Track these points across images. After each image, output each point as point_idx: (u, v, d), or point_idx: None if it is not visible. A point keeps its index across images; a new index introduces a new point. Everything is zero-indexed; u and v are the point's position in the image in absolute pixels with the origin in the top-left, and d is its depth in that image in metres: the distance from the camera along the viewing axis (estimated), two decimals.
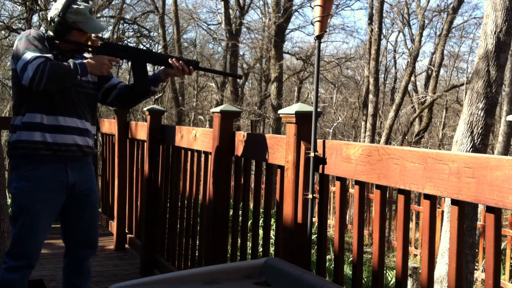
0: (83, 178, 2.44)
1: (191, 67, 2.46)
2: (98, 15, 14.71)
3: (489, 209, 1.51)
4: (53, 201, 2.35)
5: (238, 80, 17.59)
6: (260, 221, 4.41)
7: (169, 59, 2.43)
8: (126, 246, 4.43)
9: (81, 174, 2.42)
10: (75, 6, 2.32)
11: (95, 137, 2.56)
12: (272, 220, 5.28)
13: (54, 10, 2.33)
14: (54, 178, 2.33)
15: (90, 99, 2.46)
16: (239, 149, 2.74)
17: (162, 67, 2.51)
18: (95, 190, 2.54)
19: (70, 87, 2.34)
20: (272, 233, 5.45)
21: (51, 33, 2.35)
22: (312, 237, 2.22)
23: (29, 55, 2.16)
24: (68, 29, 2.32)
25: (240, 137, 2.73)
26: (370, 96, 14.23)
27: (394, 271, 5.03)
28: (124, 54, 2.42)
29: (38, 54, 2.16)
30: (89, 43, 4.71)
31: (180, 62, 2.42)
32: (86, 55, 2.50)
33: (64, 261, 2.57)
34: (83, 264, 2.56)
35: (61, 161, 2.34)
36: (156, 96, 16.64)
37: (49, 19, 2.35)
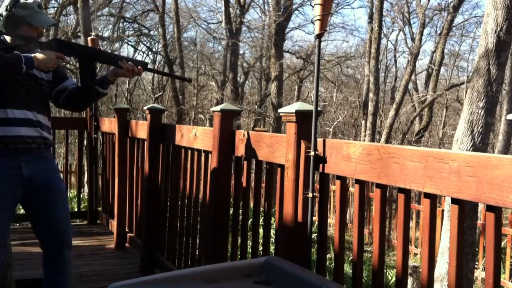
0: (40, 171, 2.42)
1: (139, 67, 2.46)
2: (98, 13, 14.71)
3: (489, 208, 1.51)
4: (6, 194, 2.33)
5: (238, 78, 17.59)
6: (261, 220, 4.41)
7: (119, 61, 2.43)
8: (127, 245, 4.43)
9: (37, 167, 2.41)
10: (22, 1, 2.35)
11: (51, 130, 2.55)
12: (272, 219, 5.28)
13: (3, 5, 2.36)
14: (6, 171, 2.32)
15: (42, 96, 2.46)
16: (239, 148, 2.74)
17: (111, 68, 2.50)
18: (58, 184, 2.51)
19: (20, 81, 2.34)
20: (272, 232, 5.45)
21: (1, 29, 2.36)
22: (312, 236, 2.22)
23: None
24: (17, 23, 2.35)
25: (240, 136, 2.72)
26: (371, 95, 14.22)
27: (394, 270, 5.02)
28: (72, 51, 2.43)
29: None
30: (89, 42, 4.71)
31: (129, 62, 2.43)
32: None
33: (42, 256, 2.57)
34: (57, 260, 2.54)
35: (14, 154, 2.33)
36: (157, 95, 16.66)
37: None
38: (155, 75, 17.38)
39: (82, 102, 2.63)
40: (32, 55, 2.27)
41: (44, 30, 2.48)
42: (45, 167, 2.46)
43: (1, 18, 2.36)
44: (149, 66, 2.59)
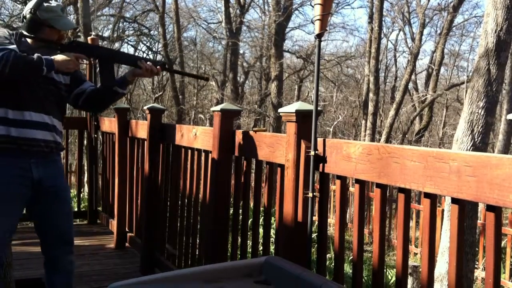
0: (50, 174, 2.44)
1: (158, 67, 2.49)
2: (99, 13, 14.70)
3: (489, 208, 1.51)
4: (15, 196, 2.35)
5: (238, 78, 17.58)
6: (261, 220, 4.40)
7: (138, 61, 2.45)
8: (127, 244, 4.43)
9: (47, 171, 2.42)
10: (46, 4, 2.38)
11: (63, 134, 2.57)
12: (273, 218, 5.28)
13: (27, 8, 2.39)
14: (17, 173, 2.33)
15: (59, 99, 2.48)
16: (239, 148, 2.74)
17: (130, 68, 2.53)
18: (65, 187, 2.54)
19: (40, 84, 2.36)
20: (272, 232, 5.45)
21: (24, 31, 2.39)
22: (313, 236, 2.22)
23: None
24: (40, 26, 2.38)
25: (240, 136, 2.72)
26: (371, 95, 14.22)
27: (394, 269, 5.01)
28: (92, 52, 2.45)
29: (2, 47, 2.20)
30: (89, 41, 4.71)
31: (148, 63, 2.46)
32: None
33: (43, 257, 2.58)
34: (58, 261, 2.55)
35: (26, 156, 2.35)
36: (157, 95, 16.67)
37: (22, 16, 2.42)
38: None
39: (102, 103, 2.65)
40: (52, 57, 2.29)
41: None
42: (54, 171, 2.47)
43: (24, 20, 2.40)
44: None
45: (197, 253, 3.21)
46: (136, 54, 17.52)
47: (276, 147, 2.39)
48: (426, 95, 16.55)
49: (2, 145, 2.30)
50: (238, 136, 2.75)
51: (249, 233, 2.82)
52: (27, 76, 2.28)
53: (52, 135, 2.42)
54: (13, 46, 2.24)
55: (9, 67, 2.17)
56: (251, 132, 2.65)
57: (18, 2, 13.33)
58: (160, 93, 17.12)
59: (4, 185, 2.31)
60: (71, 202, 2.67)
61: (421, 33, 15.80)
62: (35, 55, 2.24)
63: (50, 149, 2.43)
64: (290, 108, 2.23)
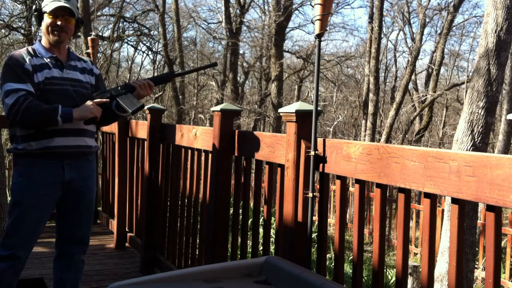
0: (81, 175, 2.46)
1: (150, 82, 2.48)
2: (99, 13, 14.70)
3: (489, 208, 1.51)
4: (47, 197, 2.38)
5: (238, 78, 17.58)
6: (261, 220, 4.39)
7: (136, 85, 2.45)
8: (127, 244, 4.43)
9: (79, 172, 2.45)
10: None
11: (95, 135, 2.58)
12: (272, 219, 5.28)
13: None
14: (49, 176, 2.36)
15: (87, 100, 2.48)
16: (239, 148, 2.74)
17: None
18: (92, 188, 2.56)
19: (70, 93, 2.38)
20: (272, 232, 5.45)
21: (44, 40, 2.39)
22: (312, 236, 2.22)
23: (10, 85, 2.23)
24: (41, 15, 2.36)
25: (241, 135, 2.72)
26: (371, 95, 14.22)
27: (394, 269, 5.00)
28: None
29: (16, 87, 2.22)
30: (89, 42, 4.68)
31: (144, 83, 2.45)
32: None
33: (55, 251, 2.60)
34: (72, 259, 2.56)
35: (58, 158, 2.38)
36: (157, 95, 16.67)
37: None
38: (155, 72, 17.36)
39: (101, 124, 2.70)
40: (72, 109, 2.31)
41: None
42: (86, 172, 2.50)
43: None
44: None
45: (197, 253, 3.21)
46: (136, 54, 17.52)
47: (276, 147, 2.39)
48: (426, 95, 16.55)
49: (37, 151, 2.33)
50: (238, 136, 2.75)
51: (249, 233, 2.83)
52: (40, 125, 2.30)
53: (83, 139, 2.43)
54: (27, 87, 2.25)
55: (21, 115, 2.21)
56: (251, 132, 2.65)
57: (18, 2, 13.32)
58: (160, 93, 17.11)
59: (39, 186, 2.34)
60: (94, 203, 2.69)
61: (421, 33, 15.81)
62: (52, 105, 2.26)
63: (83, 153, 2.45)
64: (290, 108, 2.23)
